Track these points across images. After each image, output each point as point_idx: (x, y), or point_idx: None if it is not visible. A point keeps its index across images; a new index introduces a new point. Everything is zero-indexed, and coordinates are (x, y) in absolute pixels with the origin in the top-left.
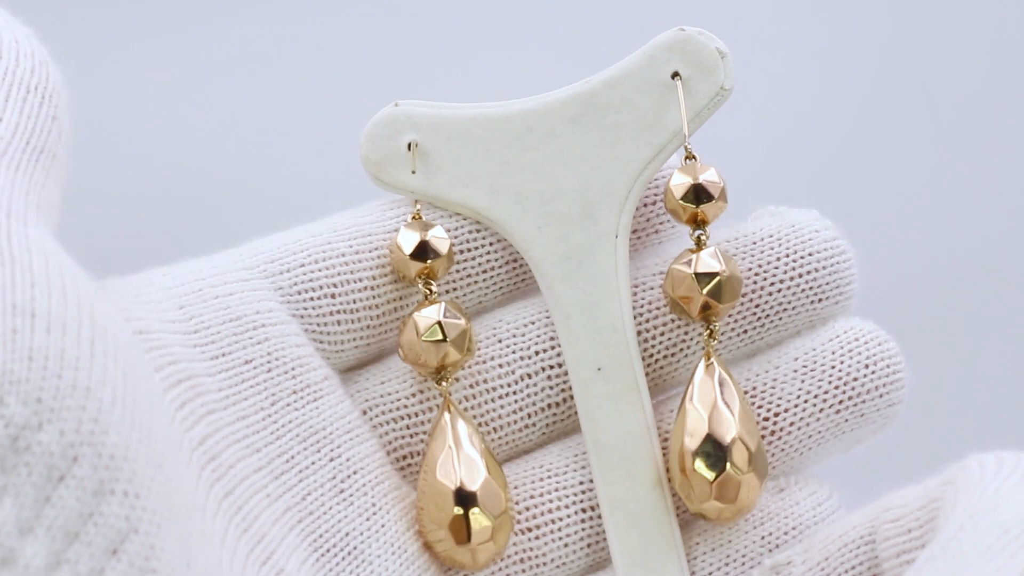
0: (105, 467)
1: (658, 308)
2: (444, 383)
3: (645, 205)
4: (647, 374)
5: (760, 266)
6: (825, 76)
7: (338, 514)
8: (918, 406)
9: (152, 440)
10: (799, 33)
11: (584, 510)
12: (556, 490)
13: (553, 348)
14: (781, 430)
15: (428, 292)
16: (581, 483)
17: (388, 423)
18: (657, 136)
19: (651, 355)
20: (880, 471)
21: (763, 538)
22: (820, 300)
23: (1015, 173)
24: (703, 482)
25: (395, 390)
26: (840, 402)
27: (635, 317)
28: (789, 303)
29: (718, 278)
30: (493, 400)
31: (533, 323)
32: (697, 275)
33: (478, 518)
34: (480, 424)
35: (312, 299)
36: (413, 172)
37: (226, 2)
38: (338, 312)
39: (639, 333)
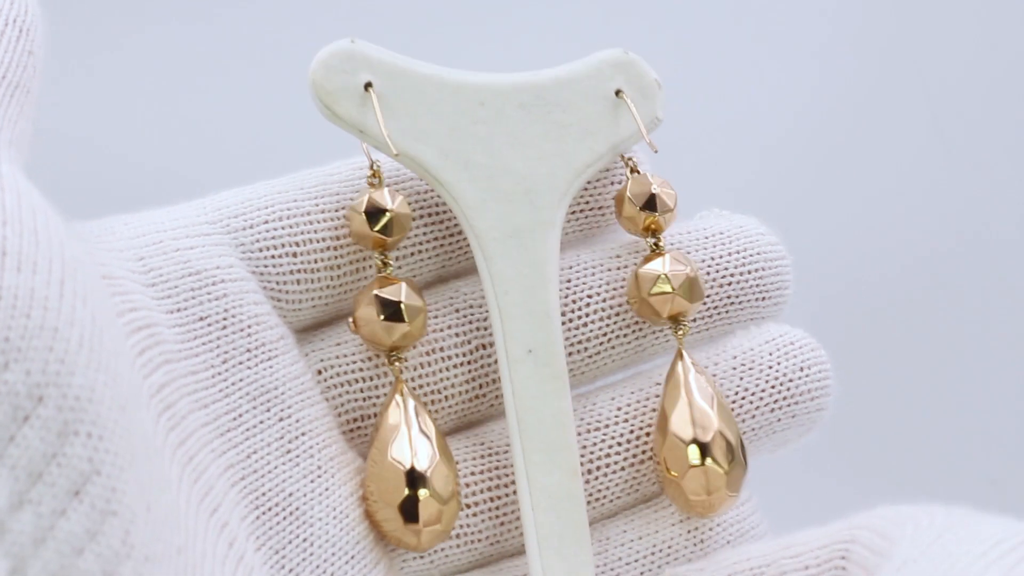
0: (70, 408)
1: (588, 299)
2: (397, 363)
3: (581, 210)
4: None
5: (713, 259)
6: (821, 78)
7: (282, 474)
8: (920, 409)
9: (117, 383)
10: (796, 34)
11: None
12: (495, 468)
13: None
14: None
15: (383, 264)
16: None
17: (341, 386)
18: (599, 144)
19: (576, 346)
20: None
21: (689, 532)
22: (764, 298)
23: (1015, 173)
24: (718, 475)
25: (350, 352)
26: (775, 401)
27: (567, 307)
28: (737, 297)
29: (686, 277)
30: (448, 369)
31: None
32: (668, 275)
33: (427, 501)
34: (432, 391)
35: (273, 257)
36: (376, 114)
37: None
38: (298, 271)
39: (570, 322)
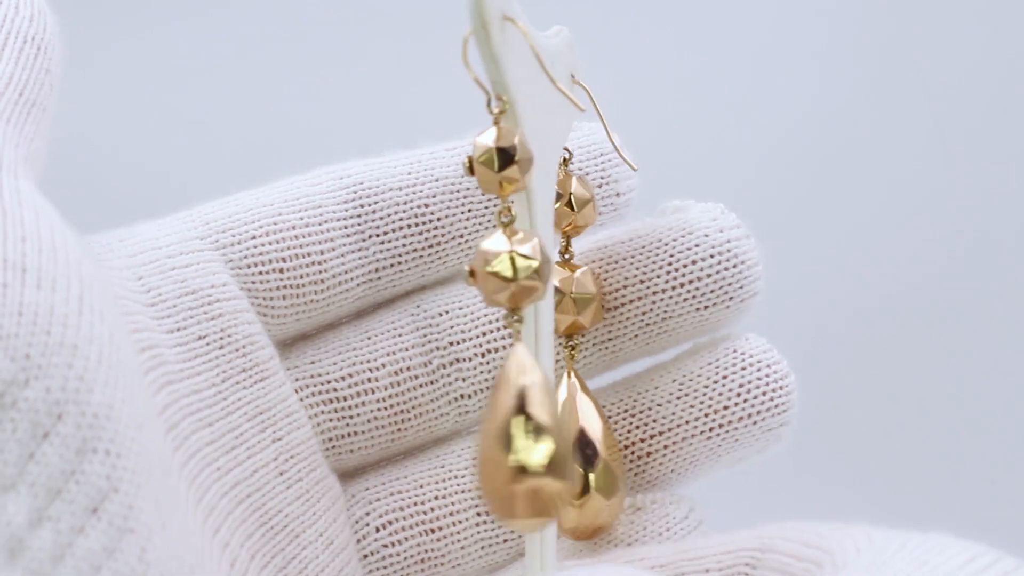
0: (89, 425)
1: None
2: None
3: None
4: None
5: (644, 274)
6: (820, 80)
7: (280, 495)
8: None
9: (133, 400)
10: (795, 36)
11: (479, 513)
12: (457, 492)
13: (469, 340)
14: (656, 451)
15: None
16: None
17: (317, 405)
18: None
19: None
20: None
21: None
22: (706, 307)
23: (1014, 175)
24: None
25: (325, 371)
26: (711, 429)
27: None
28: (673, 311)
29: (593, 303)
30: (415, 388)
31: (447, 312)
32: (574, 297)
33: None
34: (402, 411)
35: (260, 273)
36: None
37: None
38: (285, 287)
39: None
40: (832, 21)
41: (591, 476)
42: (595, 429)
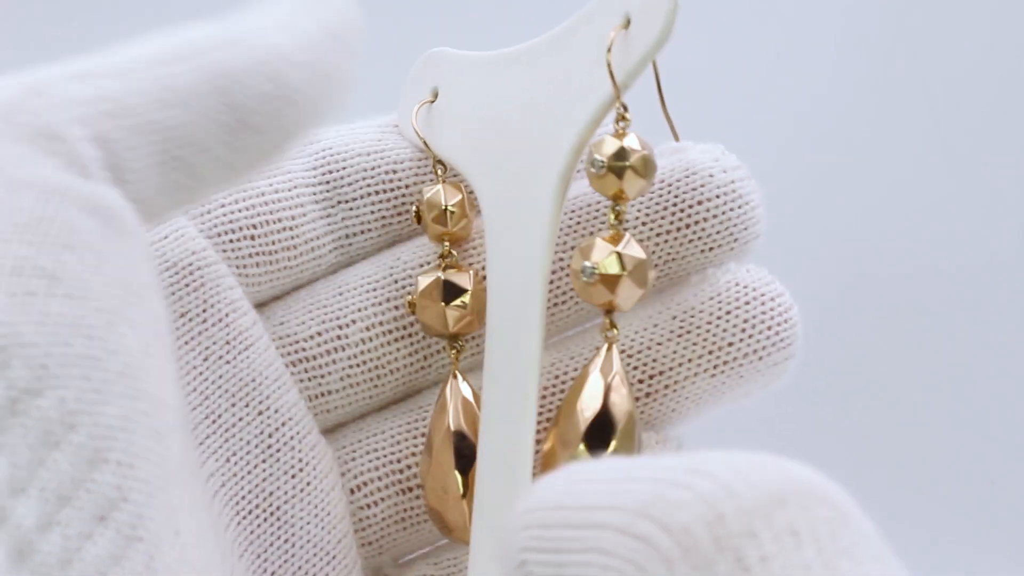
0: (102, 436)
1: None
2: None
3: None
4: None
5: (648, 215)
6: (828, 78)
7: (262, 473)
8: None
9: (158, 410)
10: (802, 34)
11: (403, 491)
12: (384, 465)
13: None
14: (657, 392)
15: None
16: (399, 460)
17: (287, 366)
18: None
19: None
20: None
21: None
22: (711, 249)
23: (1017, 173)
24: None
25: (293, 332)
26: (715, 367)
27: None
28: (677, 253)
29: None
30: (390, 343)
31: (429, 263)
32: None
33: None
34: (376, 367)
35: (232, 240)
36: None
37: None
38: (257, 253)
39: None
40: (841, 19)
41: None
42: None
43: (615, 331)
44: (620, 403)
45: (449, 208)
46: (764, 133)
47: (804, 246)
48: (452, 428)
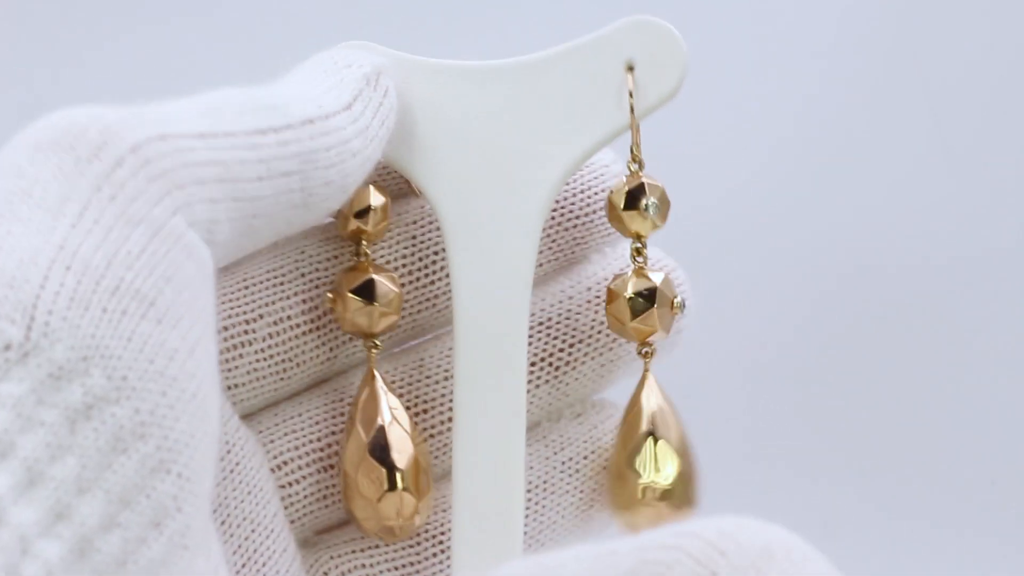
0: (168, 449)
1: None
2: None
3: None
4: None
5: (558, 202)
6: (822, 79)
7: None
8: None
9: (214, 434)
10: (799, 34)
11: (324, 469)
12: (303, 444)
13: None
14: (576, 360)
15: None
16: (319, 439)
17: (226, 350)
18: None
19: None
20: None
21: (563, 464)
22: (611, 234)
23: (1016, 173)
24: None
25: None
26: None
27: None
28: (583, 237)
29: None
30: (297, 337)
31: (337, 258)
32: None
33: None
34: (283, 360)
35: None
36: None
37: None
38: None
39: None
40: (836, 17)
41: (398, 474)
42: (403, 423)
43: (651, 357)
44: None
45: (374, 208)
46: (759, 132)
47: (804, 245)
48: (380, 423)
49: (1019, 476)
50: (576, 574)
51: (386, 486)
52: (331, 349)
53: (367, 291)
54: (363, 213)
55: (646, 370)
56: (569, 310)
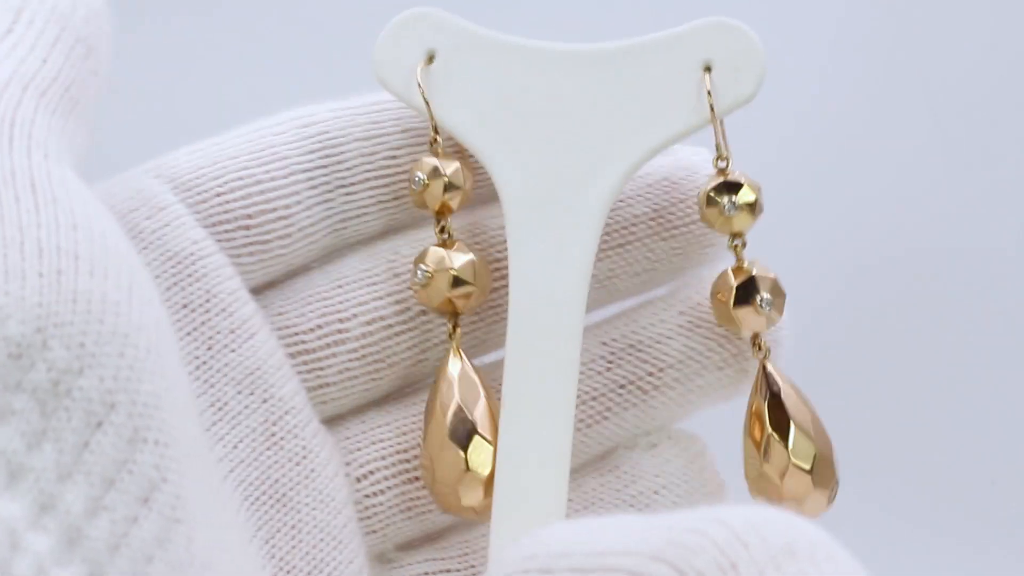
0: (139, 415)
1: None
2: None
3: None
4: None
5: (656, 210)
6: (830, 78)
7: (268, 459)
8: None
9: (176, 388)
10: (799, 35)
11: (409, 480)
12: (389, 455)
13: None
14: (665, 385)
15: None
16: (406, 451)
17: (293, 356)
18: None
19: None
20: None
21: (633, 497)
22: (712, 246)
23: (1017, 173)
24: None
25: (293, 323)
26: (724, 360)
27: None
28: (682, 248)
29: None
30: (390, 337)
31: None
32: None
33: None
34: (376, 360)
35: (227, 231)
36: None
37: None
38: (252, 243)
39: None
40: (837, 15)
41: (467, 454)
42: (479, 406)
43: (768, 354)
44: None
45: (450, 181)
46: (762, 129)
47: (803, 245)
48: (457, 403)
49: (1019, 476)
50: (611, 542)
51: (464, 467)
52: (422, 351)
53: (448, 282)
54: (449, 187)
55: (762, 363)
56: (661, 334)
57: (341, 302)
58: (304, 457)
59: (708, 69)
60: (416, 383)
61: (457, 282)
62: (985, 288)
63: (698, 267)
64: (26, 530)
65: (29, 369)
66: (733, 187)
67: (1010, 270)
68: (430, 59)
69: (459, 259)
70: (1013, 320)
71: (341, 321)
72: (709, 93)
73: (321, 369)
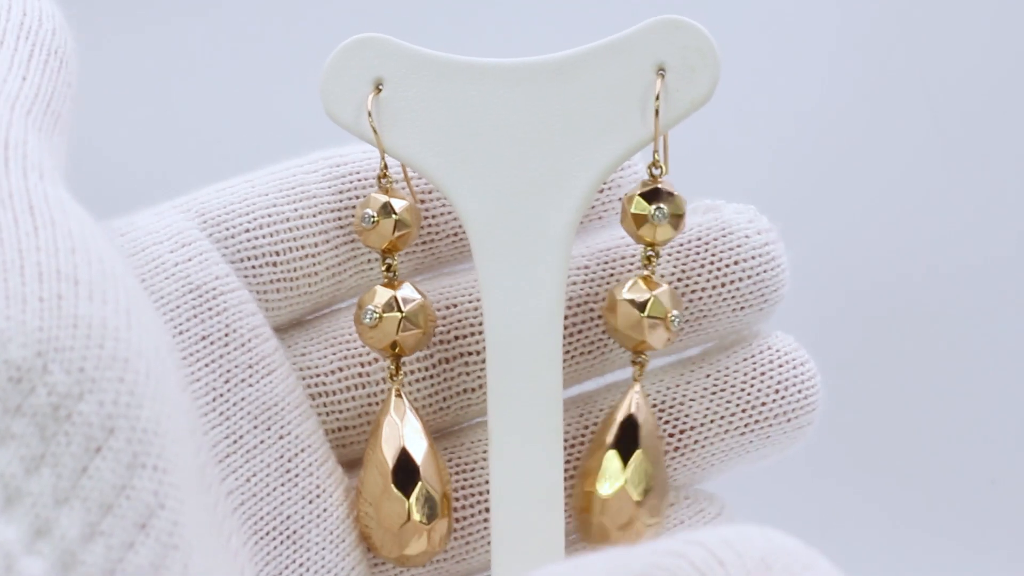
0: (139, 440)
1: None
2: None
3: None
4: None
5: (684, 272)
6: (826, 80)
7: (281, 496)
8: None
9: (176, 415)
10: (800, 36)
11: (487, 509)
12: (465, 487)
13: (472, 335)
14: (686, 447)
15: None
16: (487, 481)
17: (314, 398)
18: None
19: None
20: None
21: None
22: (743, 308)
23: (1017, 175)
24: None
25: (315, 364)
26: (746, 425)
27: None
28: (710, 311)
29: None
30: (411, 384)
31: (455, 305)
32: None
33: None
34: (357, 416)
35: (254, 267)
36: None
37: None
38: (278, 280)
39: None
40: (836, 18)
41: (410, 501)
42: (419, 452)
43: (642, 369)
44: (647, 416)
45: (399, 217)
46: (759, 136)
47: (802, 247)
48: (402, 445)
49: (1019, 476)
50: (596, 571)
51: (406, 517)
52: (446, 398)
53: (395, 325)
54: (399, 225)
55: (635, 380)
56: (685, 395)
57: (363, 345)
58: (317, 496)
59: (662, 71)
60: (440, 430)
61: (406, 325)
62: (985, 289)
63: (728, 328)
64: (21, 554)
65: (29, 393)
66: (665, 196)
67: (1009, 271)
68: (378, 88)
69: (407, 301)
70: (1012, 321)
71: (362, 365)
72: (657, 97)
73: (340, 412)
